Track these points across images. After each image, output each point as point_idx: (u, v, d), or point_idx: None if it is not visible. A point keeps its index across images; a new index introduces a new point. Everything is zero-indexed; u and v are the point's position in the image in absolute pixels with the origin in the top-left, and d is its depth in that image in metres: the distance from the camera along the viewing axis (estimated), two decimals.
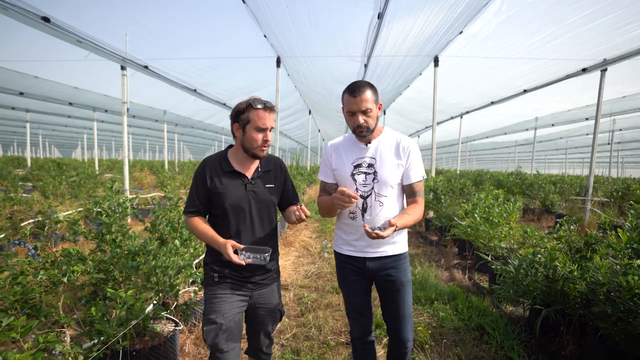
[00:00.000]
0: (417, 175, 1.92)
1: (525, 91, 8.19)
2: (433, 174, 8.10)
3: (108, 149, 44.16)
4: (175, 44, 6.95)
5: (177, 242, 2.97)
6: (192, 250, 3.33)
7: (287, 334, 3.27)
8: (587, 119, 11.46)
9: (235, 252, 1.68)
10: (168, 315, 2.82)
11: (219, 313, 1.79)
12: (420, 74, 8.99)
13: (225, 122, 17.24)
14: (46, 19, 3.99)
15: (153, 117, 15.70)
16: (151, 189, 10.84)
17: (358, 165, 1.91)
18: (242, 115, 1.80)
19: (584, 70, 6.33)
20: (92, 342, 2.03)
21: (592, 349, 2.62)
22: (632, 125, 15.20)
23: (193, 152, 46.99)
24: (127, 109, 7.30)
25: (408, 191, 1.94)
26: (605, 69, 6.94)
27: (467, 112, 12.05)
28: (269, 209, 1.91)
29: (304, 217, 1.79)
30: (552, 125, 13.48)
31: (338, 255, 2.08)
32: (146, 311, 2.40)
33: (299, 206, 1.81)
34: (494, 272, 3.57)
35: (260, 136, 1.79)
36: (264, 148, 1.83)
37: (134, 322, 2.21)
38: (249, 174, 1.88)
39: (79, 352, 1.85)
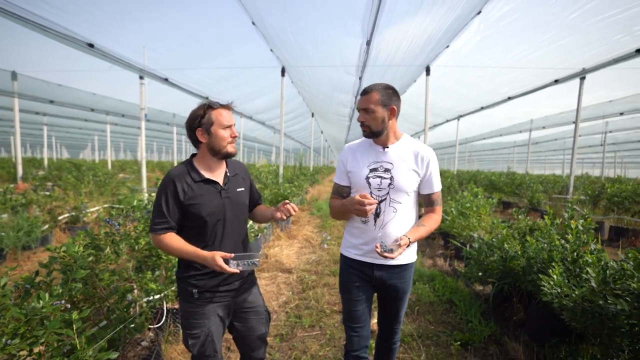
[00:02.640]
0: (436, 185, 1.91)
1: (509, 98, 8.88)
2: None
3: (116, 150, 45.19)
4: (190, 57, 7.71)
5: None
6: None
7: (292, 304, 4.00)
8: (573, 122, 12.05)
9: (226, 262, 1.64)
10: None
11: (204, 327, 1.79)
12: (415, 81, 9.72)
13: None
14: (91, 45, 4.77)
15: (164, 121, 16.50)
16: None
17: (374, 169, 1.89)
18: (202, 119, 1.77)
19: (556, 81, 7.00)
20: (148, 297, 2.78)
21: (533, 313, 3.33)
22: (625, 127, 15.78)
23: None
24: (145, 115, 8.09)
25: (426, 200, 1.93)
26: (584, 77, 7.62)
27: (461, 116, 12.71)
28: (243, 213, 1.92)
29: (292, 212, 1.82)
30: (544, 127, 14.10)
31: (344, 259, 2.04)
32: None
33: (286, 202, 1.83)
34: (465, 257, 4.29)
35: (227, 133, 1.79)
36: (233, 144, 1.84)
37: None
38: (220, 180, 1.85)
39: (142, 299, 2.59)
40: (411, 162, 1.88)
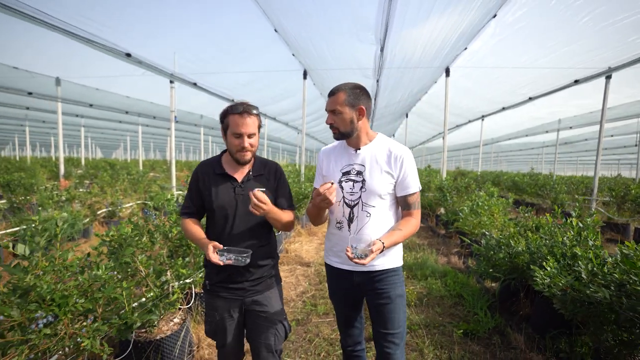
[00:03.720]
0: (412, 186, 1.80)
1: (530, 98, 8.84)
2: (444, 175, 8.91)
3: (146, 150, 47.06)
4: (217, 62, 8.15)
5: None
6: None
7: (308, 294, 4.30)
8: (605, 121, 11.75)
9: (218, 253, 1.68)
10: None
11: (214, 317, 1.89)
12: (436, 82, 9.84)
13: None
14: (128, 54, 5.25)
15: (192, 122, 17.19)
16: None
17: (347, 173, 1.84)
18: (223, 120, 1.80)
19: (576, 81, 6.96)
20: (179, 281, 3.14)
21: (537, 307, 3.48)
22: None
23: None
24: (175, 117, 8.61)
25: (402, 203, 1.84)
26: (610, 76, 7.52)
27: (484, 116, 12.64)
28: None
29: (255, 201, 1.64)
30: (570, 127, 13.78)
31: (327, 267, 2.02)
32: None
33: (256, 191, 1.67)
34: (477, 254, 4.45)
35: (237, 142, 1.76)
36: (243, 154, 1.79)
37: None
38: (240, 177, 1.86)
39: (174, 281, 2.95)
40: (384, 163, 1.80)
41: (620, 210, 8.20)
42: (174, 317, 2.94)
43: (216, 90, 9.29)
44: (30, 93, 9.29)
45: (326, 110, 1.84)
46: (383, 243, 1.63)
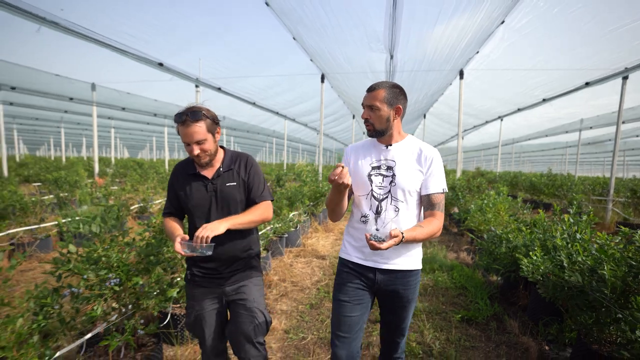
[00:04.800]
0: (437, 186, 1.80)
1: (544, 100, 8.94)
2: (458, 175, 9.14)
3: (171, 150, 48.66)
4: (239, 68, 8.66)
5: None
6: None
7: (322, 283, 4.68)
8: (623, 122, 11.63)
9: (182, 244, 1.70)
10: None
11: (192, 309, 1.94)
12: (451, 84, 10.06)
13: (278, 126, 19.17)
14: (161, 64, 5.78)
15: None
16: None
17: (377, 167, 1.85)
18: (176, 129, 1.82)
19: (587, 84, 7.07)
20: None
21: (532, 297, 3.75)
22: None
23: (246, 152, 50.13)
24: None
25: (426, 203, 1.83)
26: (627, 77, 7.58)
27: (501, 117, 12.70)
28: (231, 207, 1.90)
29: (201, 238, 1.65)
30: (591, 127, 13.63)
31: (344, 262, 1.95)
32: None
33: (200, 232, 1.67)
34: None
35: (188, 149, 1.79)
36: (199, 160, 1.83)
37: None
38: (210, 174, 1.90)
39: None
40: (414, 160, 1.82)
41: (637, 211, 8.22)
42: None
43: (239, 94, 9.82)
44: (71, 98, 10.07)
45: (363, 105, 1.83)
46: (403, 234, 1.60)
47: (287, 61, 8.57)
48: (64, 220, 3.02)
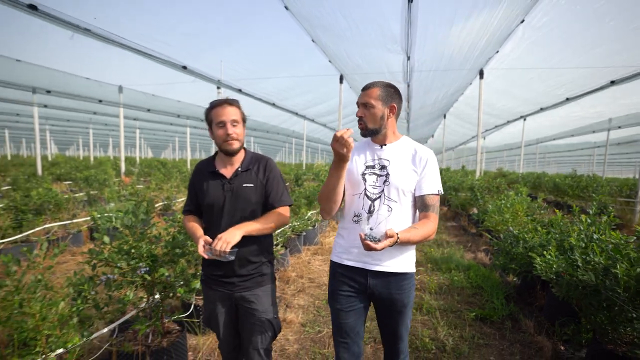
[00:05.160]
0: (431, 187, 1.77)
1: (567, 99, 8.74)
2: (477, 175, 9.05)
3: (193, 150, 49.77)
4: (259, 70, 8.86)
5: None
6: None
7: None
8: None
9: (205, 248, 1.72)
10: None
11: (207, 309, 1.99)
12: (471, 84, 9.97)
13: (298, 126, 19.38)
14: (185, 67, 6.02)
15: None
16: None
17: (371, 166, 1.83)
18: (207, 117, 1.87)
19: (612, 82, 6.89)
20: None
21: (549, 297, 3.74)
22: None
23: (266, 152, 50.78)
24: None
25: (420, 204, 1.79)
26: None
27: (523, 117, 12.46)
28: (246, 208, 1.88)
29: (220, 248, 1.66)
30: (619, 127, 13.18)
31: (335, 266, 1.91)
32: None
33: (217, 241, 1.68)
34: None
35: (221, 131, 1.81)
36: (230, 142, 1.83)
37: None
38: (228, 173, 1.91)
39: None
40: (409, 160, 1.80)
41: None
42: None
43: (259, 95, 10.03)
44: (100, 101, 10.53)
45: (358, 103, 1.83)
46: (398, 235, 1.57)
47: (306, 62, 8.71)
48: (98, 216, 3.23)
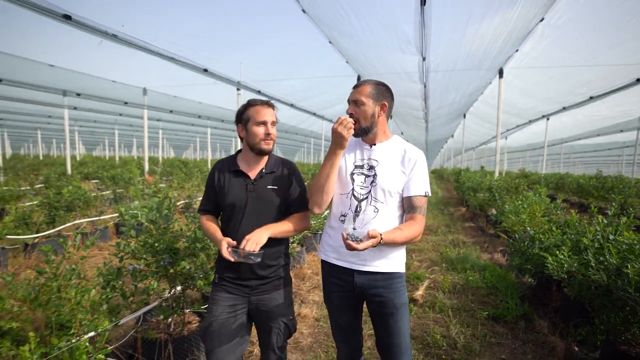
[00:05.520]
0: (418, 188, 1.75)
1: (591, 98, 8.53)
2: (496, 176, 8.96)
3: (214, 150, 50.75)
4: (278, 71, 9.04)
5: None
6: None
7: None
8: None
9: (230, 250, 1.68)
10: None
11: (211, 314, 1.86)
12: (490, 83, 9.85)
13: (316, 126, 19.53)
14: (206, 70, 6.24)
15: None
16: None
17: (359, 166, 1.83)
18: (242, 115, 1.87)
19: (639, 80, 6.70)
20: None
21: (564, 299, 3.72)
22: None
23: (284, 152, 51.22)
24: None
25: (407, 205, 1.77)
26: None
27: (544, 116, 12.20)
28: (268, 211, 1.87)
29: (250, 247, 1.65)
30: None
31: (323, 264, 1.93)
32: None
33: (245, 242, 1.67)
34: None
35: (261, 130, 1.81)
36: (268, 141, 1.84)
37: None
38: (253, 174, 1.89)
39: None
40: (398, 161, 1.79)
41: None
42: None
43: (277, 96, 10.22)
44: (125, 102, 10.95)
45: (348, 101, 1.82)
46: (381, 236, 1.56)
47: (323, 64, 8.82)
48: (125, 213, 3.44)
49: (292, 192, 1.94)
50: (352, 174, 1.83)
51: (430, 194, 1.80)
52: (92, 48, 6.52)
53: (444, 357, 2.98)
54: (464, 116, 16.00)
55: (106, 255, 3.61)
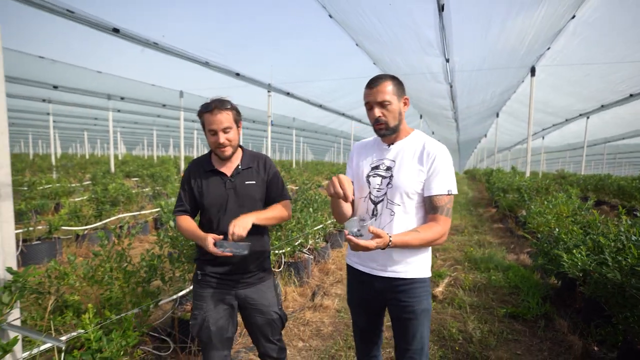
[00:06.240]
0: (440, 187, 1.62)
1: (631, 95, 8.17)
2: (527, 175, 8.78)
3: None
4: (306, 73, 9.29)
5: (311, 209, 5.01)
6: (319, 216, 5.35)
7: None
8: None
9: (217, 244, 1.67)
10: (305, 252, 4.87)
11: (201, 310, 1.86)
12: (523, 82, 9.64)
13: (346, 126, 19.71)
14: (237, 74, 6.60)
15: (285, 124, 18.97)
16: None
17: (376, 167, 1.74)
18: (200, 119, 1.81)
19: None
20: (274, 251, 4.14)
21: (585, 299, 3.70)
22: None
23: (315, 152, 51.63)
24: (271, 121, 10.00)
25: (428, 205, 1.65)
26: None
27: (583, 115, 11.73)
28: (249, 206, 1.87)
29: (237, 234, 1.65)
30: None
31: (348, 268, 1.91)
32: (296, 243, 4.48)
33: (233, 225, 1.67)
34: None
35: (213, 139, 1.78)
36: (222, 150, 1.80)
37: (296, 243, 4.28)
38: (229, 171, 1.88)
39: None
40: (416, 159, 1.67)
41: None
42: None
43: (306, 97, 10.49)
44: (164, 105, 11.61)
45: (370, 102, 1.66)
46: (390, 237, 1.47)
47: (351, 65, 8.97)
48: (165, 206, 3.80)
49: (270, 184, 1.98)
50: (369, 176, 1.75)
51: (455, 192, 1.66)
52: (135, 55, 7.01)
53: (457, 348, 3.09)
54: (497, 115, 15.60)
55: (146, 247, 3.98)
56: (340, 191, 1.53)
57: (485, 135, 24.58)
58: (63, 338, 1.81)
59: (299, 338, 3.28)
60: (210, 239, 1.67)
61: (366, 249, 1.43)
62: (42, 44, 6.70)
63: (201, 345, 1.92)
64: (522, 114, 14.39)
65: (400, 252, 1.66)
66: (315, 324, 3.54)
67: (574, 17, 5.48)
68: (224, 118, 1.76)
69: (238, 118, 1.87)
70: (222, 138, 1.76)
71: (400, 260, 1.68)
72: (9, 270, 1.58)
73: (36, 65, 7.30)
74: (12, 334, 1.58)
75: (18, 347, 1.66)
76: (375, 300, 1.78)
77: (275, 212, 1.90)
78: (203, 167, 1.90)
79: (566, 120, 12.90)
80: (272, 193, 1.97)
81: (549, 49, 6.89)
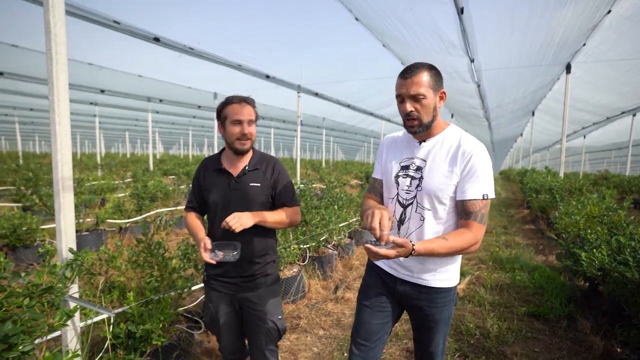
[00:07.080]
0: (475, 190, 1.46)
1: None
2: (561, 175, 8.53)
3: (276, 149, 52.97)
4: (334, 74, 9.46)
5: (335, 206, 5.19)
6: (344, 213, 5.52)
7: None
8: None
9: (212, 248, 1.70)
10: (329, 247, 5.06)
11: (210, 308, 1.95)
12: (558, 79, 9.34)
13: (375, 126, 19.70)
14: (267, 76, 6.89)
15: (315, 124, 19.25)
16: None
17: (405, 167, 1.60)
18: (221, 113, 1.83)
19: None
20: (299, 245, 4.36)
21: (610, 301, 3.65)
22: None
23: (345, 152, 51.69)
24: (301, 121, 10.27)
25: (460, 210, 1.51)
26: None
27: (628, 112, 11.16)
28: (252, 208, 1.83)
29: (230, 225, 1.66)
30: None
31: (370, 264, 1.81)
32: (321, 239, 4.68)
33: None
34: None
35: (237, 129, 1.78)
36: (243, 141, 1.81)
37: (321, 239, 4.48)
38: (235, 172, 1.88)
39: (294, 243, 4.17)
40: (448, 158, 1.51)
41: None
42: (293, 268, 4.17)
43: (335, 98, 10.68)
44: (199, 106, 12.17)
45: (401, 95, 1.51)
46: (414, 246, 1.34)
47: (379, 65, 9.04)
48: None
49: (279, 188, 1.94)
50: (397, 176, 1.62)
51: (492, 196, 1.48)
52: (173, 60, 7.46)
53: (472, 342, 3.17)
54: (533, 114, 15.09)
55: (182, 239, 4.33)
56: (377, 229, 1.33)
57: (521, 135, 23.74)
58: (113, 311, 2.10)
59: (320, 327, 3.47)
60: (203, 245, 1.70)
61: (386, 257, 1.32)
62: (90, 52, 7.30)
63: (212, 332, 2.07)
64: (559, 112, 13.84)
65: (431, 260, 1.55)
66: (336, 315, 3.72)
67: (609, 11, 5.32)
68: (250, 110, 1.82)
69: (257, 118, 1.92)
70: (247, 129, 1.80)
71: (427, 268, 1.57)
72: (71, 250, 1.88)
73: (85, 71, 7.94)
74: (71, 305, 1.87)
75: (77, 317, 1.95)
76: (394, 300, 1.69)
77: (282, 216, 1.89)
78: (212, 166, 1.93)
79: (607, 118, 12.30)
80: (282, 197, 1.94)
81: (584, 45, 6.68)
